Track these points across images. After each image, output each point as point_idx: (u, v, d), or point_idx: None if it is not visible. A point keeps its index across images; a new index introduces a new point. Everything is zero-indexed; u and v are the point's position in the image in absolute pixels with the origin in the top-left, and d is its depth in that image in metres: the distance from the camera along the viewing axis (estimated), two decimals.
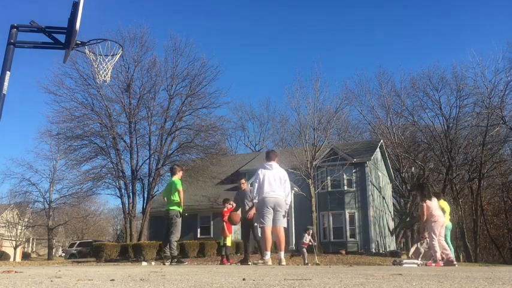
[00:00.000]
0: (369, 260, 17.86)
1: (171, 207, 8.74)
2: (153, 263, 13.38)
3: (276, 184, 7.03)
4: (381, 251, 25.58)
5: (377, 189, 28.33)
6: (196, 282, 2.53)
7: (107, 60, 6.79)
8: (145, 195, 25.34)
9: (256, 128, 58.02)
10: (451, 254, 9.11)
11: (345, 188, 26.61)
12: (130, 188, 24.92)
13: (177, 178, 8.99)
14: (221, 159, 28.81)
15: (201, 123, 25.74)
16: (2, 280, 2.75)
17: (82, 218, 49.36)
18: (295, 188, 25.83)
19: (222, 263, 10.84)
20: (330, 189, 26.65)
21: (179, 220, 8.74)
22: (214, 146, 27.30)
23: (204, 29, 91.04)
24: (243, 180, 9.98)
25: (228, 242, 10.97)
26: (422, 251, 12.79)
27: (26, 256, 45.43)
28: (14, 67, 5.86)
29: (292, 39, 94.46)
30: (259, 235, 8.13)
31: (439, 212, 9.11)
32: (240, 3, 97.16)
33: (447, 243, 10.01)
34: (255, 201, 7.16)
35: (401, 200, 33.59)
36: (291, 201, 7.07)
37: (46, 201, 37.13)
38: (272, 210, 6.97)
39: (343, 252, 22.95)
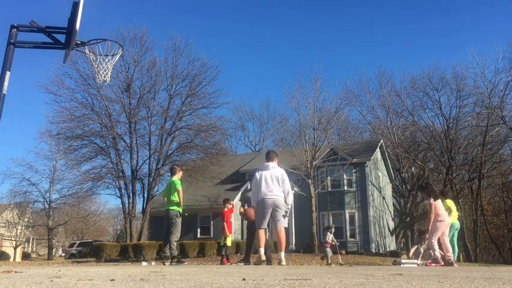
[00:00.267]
0: (369, 260, 17.86)
1: (171, 207, 8.74)
2: (153, 263, 13.38)
3: (273, 184, 6.96)
4: (380, 251, 25.58)
5: (377, 189, 28.34)
6: (196, 282, 2.53)
7: (107, 60, 6.80)
8: (145, 195, 25.34)
9: (256, 128, 58.10)
10: (452, 255, 9.05)
11: (345, 188, 26.62)
12: (131, 188, 24.91)
13: (177, 178, 9.00)
14: (221, 159, 28.80)
15: (201, 123, 25.74)
16: (2, 280, 2.75)
17: (82, 218, 49.35)
18: (295, 188, 25.82)
19: (222, 263, 10.83)
20: (330, 189, 26.66)
21: (179, 220, 8.75)
22: (214, 146, 27.29)
23: (204, 29, 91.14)
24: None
25: (228, 242, 10.97)
26: (422, 251, 12.79)
27: (26, 256, 45.43)
28: (14, 67, 5.86)
29: (292, 39, 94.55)
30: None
31: (445, 212, 9.11)
32: (240, 3, 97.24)
33: (453, 244, 9.95)
34: (254, 203, 7.17)
35: (401, 200, 33.60)
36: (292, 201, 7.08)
37: (46, 201, 37.15)
38: (270, 211, 6.92)
39: (343, 252, 22.91)
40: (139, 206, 25.91)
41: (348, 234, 25.80)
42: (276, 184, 6.96)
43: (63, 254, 44.18)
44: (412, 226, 30.87)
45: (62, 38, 6.18)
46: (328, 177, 26.77)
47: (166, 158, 25.20)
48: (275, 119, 47.09)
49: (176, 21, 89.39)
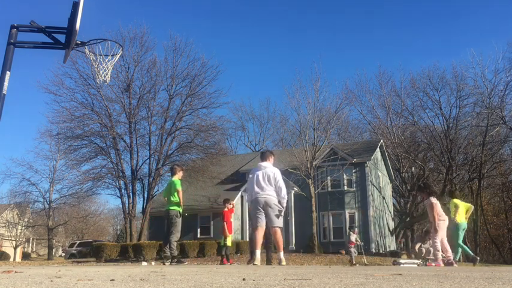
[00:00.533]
0: (369, 260, 17.86)
1: (171, 207, 8.75)
2: (153, 263, 13.38)
3: (265, 183, 6.90)
4: (381, 251, 25.58)
5: (377, 189, 28.34)
6: (196, 282, 2.53)
7: (106, 60, 6.80)
8: (145, 195, 25.34)
9: (256, 128, 58.09)
10: (452, 255, 9.04)
11: (345, 188, 26.62)
12: (131, 188, 24.91)
13: (177, 178, 9.00)
14: (221, 159, 28.79)
15: (201, 123, 25.74)
16: (2, 280, 2.75)
17: (82, 218, 49.35)
18: (295, 188, 25.82)
19: (222, 263, 10.83)
20: (330, 189, 26.66)
21: (179, 220, 8.76)
22: (214, 146, 27.29)
23: (204, 29, 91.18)
24: None
25: (228, 242, 10.96)
26: (424, 251, 12.80)
27: (26, 256, 45.44)
28: (14, 67, 5.86)
29: (292, 39, 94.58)
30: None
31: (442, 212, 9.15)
32: (240, 3, 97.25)
33: (462, 244, 9.91)
34: (248, 203, 7.14)
35: (401, 200, 33.59)
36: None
37: (46, 201, 37.16)
38: (263, 211, 6.87)
39: (343, 252, 22.92)
40: (139, 206, 25.95)
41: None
42: (267, 183, 6.90)
43: (63, 254, 44.18)
44: (412, 226, 30.90)
45: (62, 38, 6.18)
46: (328, 177, 26.77)
47: (166, 158, 25.21)
48: (275, 119, 47.12)
49: (176, 21, 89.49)
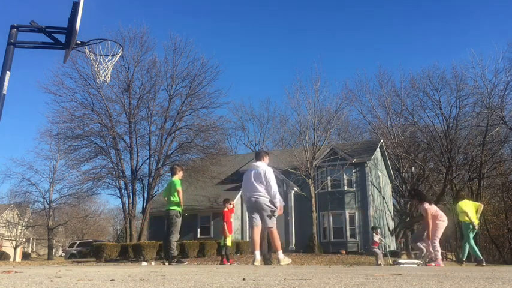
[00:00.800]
0: (369, 260, 17.86)
1: (171, 207, 8.75)
2: (153, 263, 13.39)
3: (256, 183, 6.85)
4: (381, 251, 25.56)
5: (377, 189, 28.34)
6: (196, 282, 2.53)
7: (106, 60, 6.79)
8: (145, 195, 25.34)
9: (256, 128, 58.06)
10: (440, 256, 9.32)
11: (345, 188, 26.62)
12: (131, 188, 24.91)
13: (177, 178, 9.00)
14: (221, 159, 28.79)
15: (201, 123, 25.74)
16: (2, 280, 2.75)
17: (82, 218, 49.36)
18: (295, 188, 25.83)
19: (222, 263, 10.83)
20: (330, 189, 26.66)
21: (179, 220, 8.76)
22: (214, 146, 27.28)
23: (204, 29, 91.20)
24: None
25: (228, 242, 10.96)
26: (424, 249, 12.83)
27: (26, 256, 45.43)
28: (14, 67, 5.86)
29: (292, 39, 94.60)
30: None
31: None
32: (240, 3, 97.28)
33: (472, 244, 9.89)
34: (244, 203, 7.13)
35: (401, 200, 33.59)
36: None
37: (46, 201, 37.17)
38: (256, 211, 6.83)
39: (343, 252, 22.96)
40: (139, 206, 25.95)
41: (348, 234, 25.79)
42: (259, 183, 6.84)
43: (63, 254, 44.18)
44: (412, 226, 30.86)
45: (62, 38, 6.18)
46: (328, 177, 26.77)
47: (166, 158, 25.20)
48: (275, 119, 47.00)
49: (176, 21, 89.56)
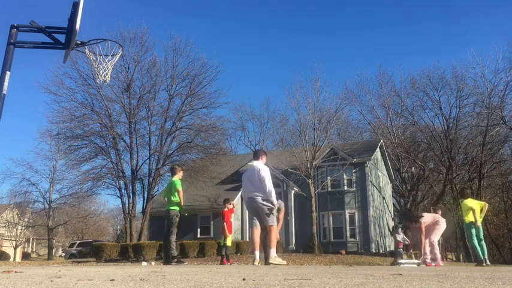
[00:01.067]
0: (369, 260, 17.85)
1: (171, 207, 8.75)
2: (153, 263, 13.39)
3: (251, 183, 6.88)
4: (381, 251, 25.58)
5: (377, 189, 28.33)
6: (196, 282, 2.53)
7: (107, 60, 6.79)
8: (145, 195, 25.32)
9: (256, 128, 57.96)
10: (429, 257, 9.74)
11: (345, 188, 26.62)
12: (131, 188, 24.89)
13: (177, 178, 9.00)
14: (221, 159, 28.76)
15: (201, 123, 25.71)
16: (2, 280, 2.75)
17: (82, 218, 49.35)
18: (295, 188, 25.83)
19: (222, 263, 10.83)
20: (330, 189, 26.66)
21: (179, 220, 8.77)
22: (214, 146, 27.26)
23: (204, 29, 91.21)
24: None
25: (228, 242, 10.96)
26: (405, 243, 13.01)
27: (26, 256, 45.44)
28: (14, 67, 5.86)
29: (292, 39, 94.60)
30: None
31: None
32: (240, 3, 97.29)
33: (475, 244, 9.92)
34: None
35: (401, 200, 33.59)
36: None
37: (46, 201, 37.16)
38: (254, 211, 6.86)
39: (343, 252, 22.95)
40: (139, 206, 25.93)
41: (348, 234, 25.80)
42: (255, 182, 6.85)
43: (63, 254, 44.18)
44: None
45: (62, 38, 6.18)
46: (328, 177, 26.77)
47: (166, 158, 25.19)
48: (275, 119, 46.91)
49: (176, 21, 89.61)
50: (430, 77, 32.58)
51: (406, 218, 10.14)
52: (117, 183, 25.31)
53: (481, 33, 79.78)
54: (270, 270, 4.05)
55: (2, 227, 43.51)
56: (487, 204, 10.30)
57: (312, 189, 23.57)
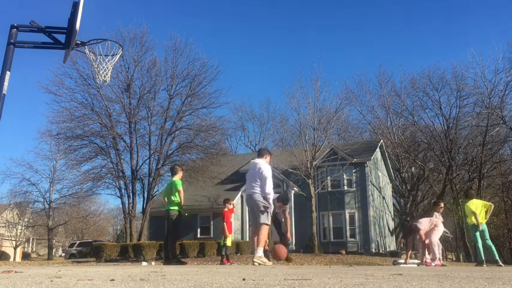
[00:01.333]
0: (369, 260, 17.85)
1: (171, 207, 8.75)
2: (153, 263, 13.39)
3: (252, 180, 6.90)
4: (381, 251, 25.58)
5: (377, 189, 28.33)
6: (196, 282, 2.53)
7: (106, 60, 6.80)
8: (145, 195, 25.32)
9: (256, 128, 58.03)
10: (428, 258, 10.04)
11: (345, 188, 26.61)
12: (131, 188, 24.89)
13: (177, 178, 9.00)
14: (221, 159, 28.77)
15: (201, 123, 25.72)
16: (2, 280, 2.75)
17: (82, 218, 49.35)
18: (295, 188, 25.82)
19: (222, 263, 10.83)
20: (330, 189, 26.65)
21: (179, 220, 8.78)
22: (214, 146, 27.26)
23: (204, 29, 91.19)
24: None
25: (228, 242, 10.96)
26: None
27: (26, 256, 45.43)
28: (14, 67, 5.86)
29: (292, 39, 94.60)
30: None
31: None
32: (240, 3, 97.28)
33: (480, 246, 9.88)
34: None
35: (401, 200, 33.58)
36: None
37: (46, 201, 37.17)
38: (252, 208, 6.89)
39: (343, 252, 22.95)
40: (139, 206, 25.93)
41: (348, 234, 25.79)
42: (255, 180, 6.86)
43: (63, 254, 44.18)
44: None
45: (62, 38, 6.18)
46: (328, 177, 26.76)
47: (166, 158, 25.19)
48: (275, 119, 47.03)
49: (176, 21, 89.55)
50: (430, 77, 32.59)
51: (405, 232, 10.44)
52: (117, 183, 25.33)
53: (481, 33, 79.81)
54: (270, 270, 4.05)
55: (2, 227, 43.51)
56: (492, 205, 10.09)
57: (312, 189, 23.57)
